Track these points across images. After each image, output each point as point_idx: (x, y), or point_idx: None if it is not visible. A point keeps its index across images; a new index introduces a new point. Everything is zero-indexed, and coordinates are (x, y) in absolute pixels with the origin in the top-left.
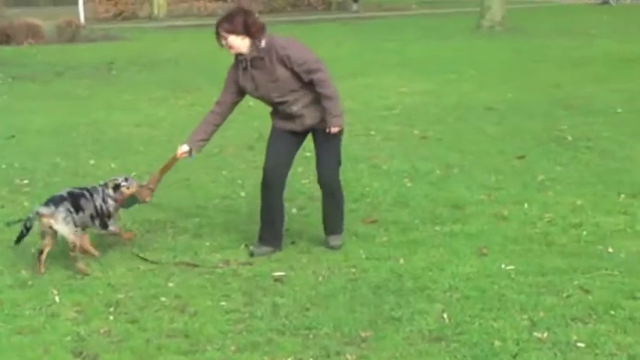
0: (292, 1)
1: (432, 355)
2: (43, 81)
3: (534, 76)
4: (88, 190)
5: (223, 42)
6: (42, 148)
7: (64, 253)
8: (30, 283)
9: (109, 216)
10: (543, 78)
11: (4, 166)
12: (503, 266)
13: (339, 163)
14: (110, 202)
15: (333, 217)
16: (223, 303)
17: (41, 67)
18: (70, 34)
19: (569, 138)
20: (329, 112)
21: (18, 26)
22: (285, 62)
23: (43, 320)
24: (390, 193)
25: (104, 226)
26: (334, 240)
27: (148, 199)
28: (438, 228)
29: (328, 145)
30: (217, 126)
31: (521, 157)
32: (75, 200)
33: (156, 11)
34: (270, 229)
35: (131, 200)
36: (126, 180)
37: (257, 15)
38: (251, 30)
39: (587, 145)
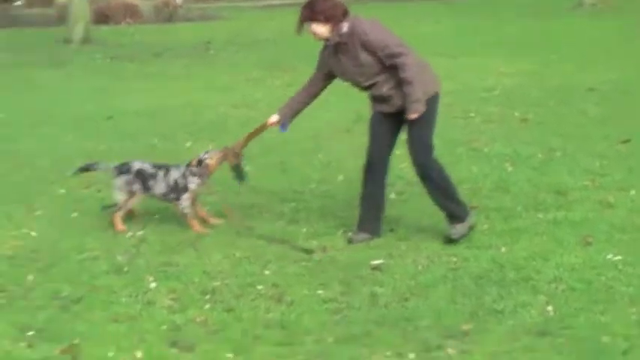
0: None
1: (536, 350)
2: (141, 61)
3: (638, 56)
4: (166, 167)
5: (306, 29)
6: (139, 130)
7: (160, 238)
8: (126, 269)
9: (186, 190)
10: None
11: (102, 148)
12: (610, 256)
13: (429, 144)
14: (192, 178)
15: (439, 205)
16: (320, 292)
17: (139, 48)
18: (167, 13)
19: None
20: (408, 97)
21: (116, 6)
22: (367, 47)
23: (139, 308)
24: (490, 178)
25: (177, 199)
26: (451, 231)
27: (239, 159)
28: (540, 215)
29: (418, 126)
30: (307, 103)
31: (626, 141)
32: (143, 177)
33: None
34: (370, 215)
35: (237, 173)
36: (206, 152)
37: None
38: (331, 16)
39: None
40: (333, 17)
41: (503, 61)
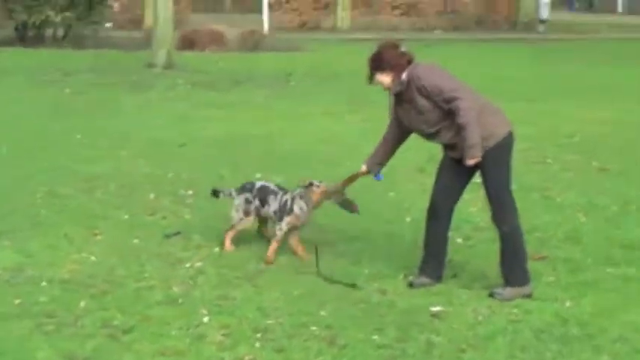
0: (477, 19)
1: None
2: (221, 89)
3: None
4: (282, 189)
5: (373, 79)
6: (211, 159)
7: (218, 271)
8: (180, 300)
9: (289, 213)
10: None
11: (170, 175)
12: None
13: (501, 193)
14: (299, 201)
15: (500, 260)
16: (375, 337)
17: (221, 75)
18: (252, 42)
19: None
20: (465, 143)
21: (202, 32)
22: (422, 92)
23: (189, 342)
24: (562, 228)
25: (280, 219)
26: (498, 290)
27: (343, 196)
28: (610, 270)
29: (489, 172)
30: (391, 151)
31: None
32: (264, 194)
33: (339, 23)
34: (432, 259)
35: (347, 207)
36: (320, 182)
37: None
38: (396, 65)
39: None
40: (397, 66)
41: (585, 108)
